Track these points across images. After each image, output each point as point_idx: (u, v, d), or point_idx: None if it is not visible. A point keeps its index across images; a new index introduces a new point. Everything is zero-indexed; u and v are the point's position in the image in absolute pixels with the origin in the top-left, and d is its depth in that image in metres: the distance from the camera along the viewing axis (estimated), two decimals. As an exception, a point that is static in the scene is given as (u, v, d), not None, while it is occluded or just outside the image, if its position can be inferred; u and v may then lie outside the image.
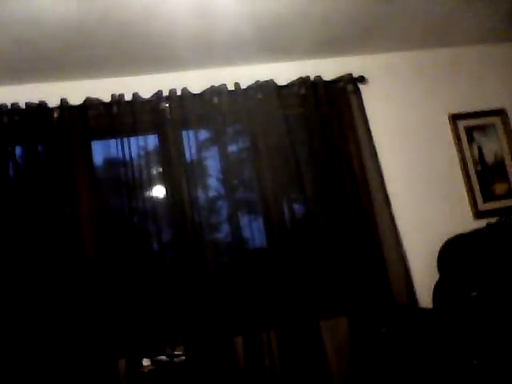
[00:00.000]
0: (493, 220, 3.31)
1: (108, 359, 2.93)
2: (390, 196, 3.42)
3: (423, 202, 3.51)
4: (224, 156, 3.34)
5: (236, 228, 3.23)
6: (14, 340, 2.84)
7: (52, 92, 3.19)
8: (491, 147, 3.72)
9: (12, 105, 3.13)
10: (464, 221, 3.48)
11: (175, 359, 2.77)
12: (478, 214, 3.56)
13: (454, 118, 3.70)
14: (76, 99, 3.21)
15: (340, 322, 3.20)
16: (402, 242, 3.36)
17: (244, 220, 3.28)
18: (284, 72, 3.50)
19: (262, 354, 3.06)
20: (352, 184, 3.44)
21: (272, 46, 3.35)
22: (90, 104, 3.22)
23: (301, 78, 3.48)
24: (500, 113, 3.78)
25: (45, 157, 3.13)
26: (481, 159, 3.69)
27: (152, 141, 3.35)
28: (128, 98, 3.27)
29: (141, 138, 3.28)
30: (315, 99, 3.46)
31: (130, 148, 3.21)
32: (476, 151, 3.70)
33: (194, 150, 3.31)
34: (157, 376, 2.70)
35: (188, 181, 3.25)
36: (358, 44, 3.55)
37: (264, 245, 3.30)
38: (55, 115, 3.19)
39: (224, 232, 3.33)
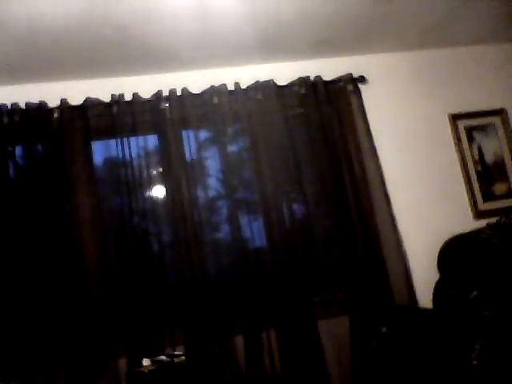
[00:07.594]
0: (493, 220, 3.30)
1: (108, 359, 2.93)
2: (390, 196, 3.42)
3: (423, 202, 3.52)
4: (224, 156, 3.34)
5: (236, 228, 3.23)
6: (14, 340, 2.84)
7: (52, 92, 3.19)
8: (491, 147, 3.72)
9: (12, 105, 3.13)
10: (464, 221, 3.48)
11: (175, 359, 2.77)
12: (478, 214, 3.56)
13: (454, 118, 3.70)
14: (76, 99, 3.21)
15: (340, 321, 3.20)
16: (402, 242, 3.36)
17: (244, 220, 3.27)
18: (284, 72, 3.50)
19: (262, 354, 3.06)
20: (352, 184, 3.44)
21: (272, 45, 3.35)
22: (90, 104, 3.22)
23: (301, 77, 3.48)
24: (500, 113, 3.78)
25: (45, 157, 3.12)
26: (481, 159, 3.69)
27: (152, 141, 3.34)
28: (128, 97, 3.27)
29: (141, 138, 3.28)
30: (315, 99, 3.46)
31: (129, 148, 3.21)
32: (476, 151, 3.70)
33: (194, 150, 3.31)
34: (157, 376, 2.69)
35: (188, 181, 3.25)
36: (358, 44, 3.55)
37: (264, 245, 3.30)
38: (55, 115, 3.18)
39: (224, 232, 3.32)
